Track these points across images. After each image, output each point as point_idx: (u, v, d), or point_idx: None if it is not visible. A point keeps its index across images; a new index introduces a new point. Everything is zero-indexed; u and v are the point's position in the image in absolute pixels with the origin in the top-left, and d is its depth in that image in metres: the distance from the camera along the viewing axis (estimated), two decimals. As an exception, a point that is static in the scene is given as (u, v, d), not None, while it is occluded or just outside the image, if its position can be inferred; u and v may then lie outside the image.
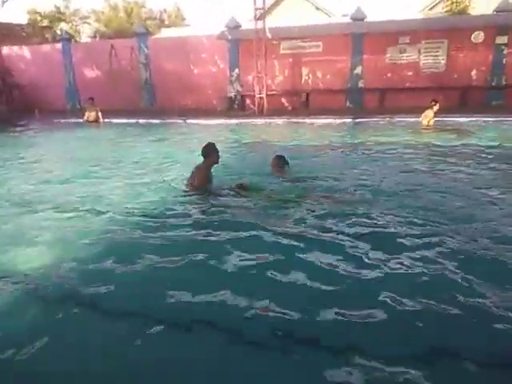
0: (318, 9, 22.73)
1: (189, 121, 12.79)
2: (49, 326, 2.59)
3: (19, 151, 8.58)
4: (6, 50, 18.28)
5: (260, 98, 13.82)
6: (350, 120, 11.59)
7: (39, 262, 3.32)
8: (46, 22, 25.89)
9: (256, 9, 13.26)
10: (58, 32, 25.34)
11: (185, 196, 4.82)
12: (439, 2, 20.05)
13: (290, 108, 15.38)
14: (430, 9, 20.42)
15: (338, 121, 11.61)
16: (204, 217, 4.22)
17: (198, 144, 5.47)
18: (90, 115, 12.99)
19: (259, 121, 12.58)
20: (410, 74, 14.39)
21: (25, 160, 7.63)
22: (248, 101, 15.96)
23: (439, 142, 8.02)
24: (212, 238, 3.66)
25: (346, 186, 5.10)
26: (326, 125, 11.44)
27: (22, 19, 24.99)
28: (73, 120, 13.78)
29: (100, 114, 12.99)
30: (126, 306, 2.70)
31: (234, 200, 4.60)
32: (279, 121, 12.42)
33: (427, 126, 9.77)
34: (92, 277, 3.10)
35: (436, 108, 9.65)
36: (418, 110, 10.10)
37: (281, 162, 5.62)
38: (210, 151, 4.90)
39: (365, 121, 11.49)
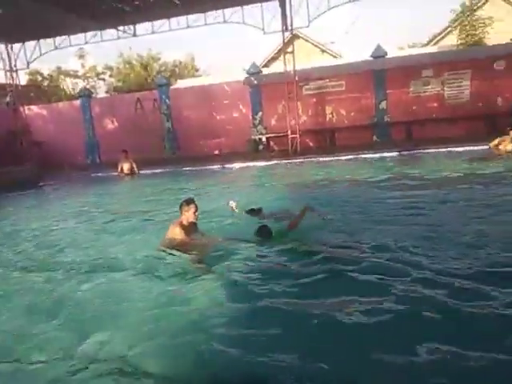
0: (323, 51, 23.49)
1: (227, 165, 12.62)
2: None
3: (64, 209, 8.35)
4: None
5: (293, 138, 13.80)
6: (396, 154, 11.47)
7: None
8: (46, 82, 26.55)
9: (285, 52, 13.54)
10: (67, 90, 25.98)
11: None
12: (444, 36, 20.88)
13: (315, 147, 15.37)
14: (435, 43, 21.20)
15: (384, 154, 11.49)
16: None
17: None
18: (124, 167, 12.80)
19: (295, 160, 12.45)
20: (435, 105, 14.59)
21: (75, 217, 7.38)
22: (272, 142, 16.02)
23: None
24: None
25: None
26: (369, 160, 11.31)
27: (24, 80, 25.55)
28: (106, 174, 13.54)
29: (135, 165, 12.82)
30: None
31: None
32: (316, 159, 12.30)
33: (506, 152, 9.49)
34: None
35: None
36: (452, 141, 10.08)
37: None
38: (181, 208, 4.74)
39: (412, 153, 11.38)
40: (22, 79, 25.30)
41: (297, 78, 13.97)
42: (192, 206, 4.68)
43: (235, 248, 4.55)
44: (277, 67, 20.37)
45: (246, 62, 35.52)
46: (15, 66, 15.46)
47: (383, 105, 14.97)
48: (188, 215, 4.69)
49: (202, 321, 3.12)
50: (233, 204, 5.88)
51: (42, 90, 25.25)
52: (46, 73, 26.89)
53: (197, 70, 25.35)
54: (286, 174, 10.71)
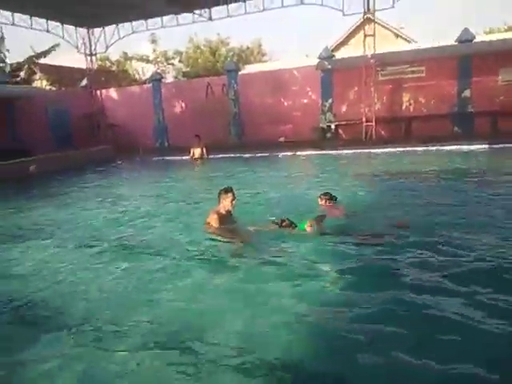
0: (397, 36, 22.29)
1: (298, 153, 12.33)
2: None
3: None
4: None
5: (368, 125, 13.20)
6: (486, 146, 10.55)
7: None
8: (114, 67, 27.53)
9: (365, 35, 12.89)
10: (132, 74, 26.76)
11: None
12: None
13: (388, 136, 14.61)
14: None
15: (472, 147, 10.62)
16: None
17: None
18: (196, 152, 12.92)
19: (375, 150, 11.86)
20: (528, 95, 13.28)
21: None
22: (341, 130, 15.47)
23: None
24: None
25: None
26: (454, 153, 10.51)
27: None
28: (176, 158, 13.78)
29: (205, 150, 12.90)
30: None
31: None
32: (390, 150, 11.64)
33: None
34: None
35: None
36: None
37: (325, 199, 5.53)
38: (219, 196, 4.87)
39: (501, 146, 10.39)
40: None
41: (373, 62, 13.28)
42: (230, 194, 4.81)
43: (267, 239, 4.55)
44: (345, 52, 19.61)
45: (310, 48, 34.67)
46: (95, 49, 16.05)
47: (466, 93, 13.88)
48: (225, 203, 4.82)
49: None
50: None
51: (112, 75, 26.18)
52: (113, 58, 27.94)
53: (263, 55, 25.06)
54: (364, 163, 10.23)
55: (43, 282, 3.95)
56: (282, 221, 4.69)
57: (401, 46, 17.70)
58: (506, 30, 23.16)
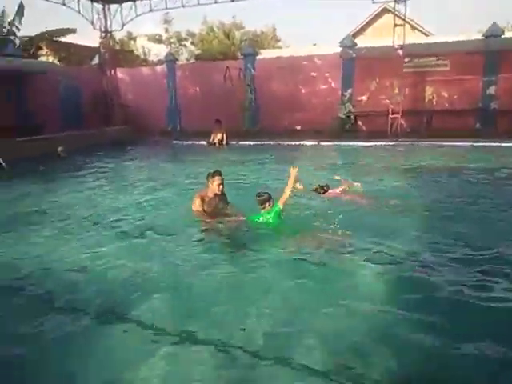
0: (414, 29, 21.89)
1: (322, 143, 12.08)
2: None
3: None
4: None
5: (393, 118, 12.95)
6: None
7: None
8: (118, 46, 26.76)
9: (395, 25, 12.58)
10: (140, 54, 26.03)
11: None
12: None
13: (409, 130, 14.39)
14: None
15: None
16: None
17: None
18: (216, 137, 12.61)
19: (403, 143, 11.68)
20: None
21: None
22: (360, 122, 15.21)
23: None
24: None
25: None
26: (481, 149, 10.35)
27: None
28: (196, 142, 13.43)
29: (225, 135, 12.58)
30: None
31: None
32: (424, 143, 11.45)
33: None
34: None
35: None
36: None
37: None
38: (207, 179, 4.85)
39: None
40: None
41: (401, 53, 12.99)
42: (216, 178, 4.76)
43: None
44: (362, 42, 19.27)
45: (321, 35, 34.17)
46: (110, 27, 15.50)
47: (491, 90, 13.67)
48: (212, 187, 4.77)
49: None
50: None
51: (120, 54, 25.39)
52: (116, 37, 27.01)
53: (277, 41, 24.57)
54: (394, 156, 10.02)
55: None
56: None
57: (419, 39, 17.38)
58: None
